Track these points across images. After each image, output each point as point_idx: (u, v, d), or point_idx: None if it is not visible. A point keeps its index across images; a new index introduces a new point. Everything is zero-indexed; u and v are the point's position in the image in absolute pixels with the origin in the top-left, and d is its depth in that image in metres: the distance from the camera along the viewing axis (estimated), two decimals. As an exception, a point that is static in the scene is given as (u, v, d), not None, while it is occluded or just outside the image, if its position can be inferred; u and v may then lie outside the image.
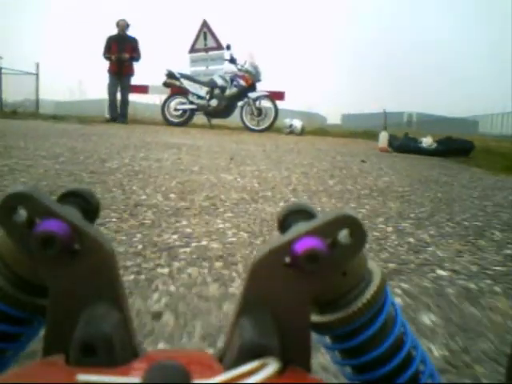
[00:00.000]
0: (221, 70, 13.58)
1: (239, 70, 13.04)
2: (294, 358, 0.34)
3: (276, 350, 0.32)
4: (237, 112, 13.35)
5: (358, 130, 15.63)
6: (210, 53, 14.97)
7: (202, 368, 0.33)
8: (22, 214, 0.34)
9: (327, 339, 0.41)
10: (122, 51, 12.64)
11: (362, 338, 0.38)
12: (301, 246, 0.33)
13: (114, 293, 0.35)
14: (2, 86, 16.57)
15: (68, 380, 0.28)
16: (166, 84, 13.49)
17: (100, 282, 0.35)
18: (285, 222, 0.41)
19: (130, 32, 13.05)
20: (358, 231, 0.35)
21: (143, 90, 15.41)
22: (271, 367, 0.30)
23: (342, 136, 13.72)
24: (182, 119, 13.32)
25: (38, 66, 18.08)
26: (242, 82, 12.79)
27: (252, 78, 12.77)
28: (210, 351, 0.60)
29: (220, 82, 13.03)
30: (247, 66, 13.00)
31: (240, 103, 13.09)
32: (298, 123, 12.64)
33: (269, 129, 12.66)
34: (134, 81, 14.01)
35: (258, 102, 12.79)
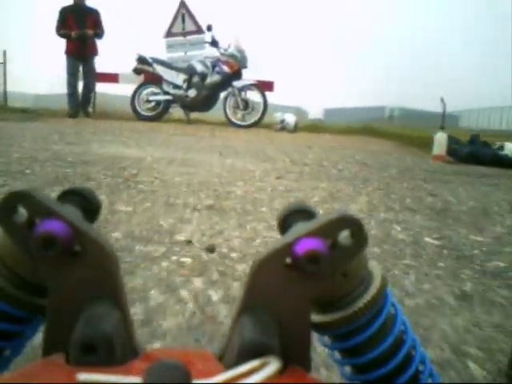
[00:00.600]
0: (201, 55, 10.23)
1: (222, 54, 9.88)
2: (294, 357, 0.32)
3: (276, 349, 0.30)
4: (219, 104, 10.51)
5: (355, 126, 12.43)
6: (189, 37, 11.99)
7: (202, 367, 0.31)
8: (22, 213, 0.31)
9: (327, 338, 0.38)
10: (82, 26, 9.09)
11: (362, 337, 0.35)
12: (301, 247, 0.31)
13: (114, 293, 0.33)
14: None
15: (68, 379, 0.27)
16: (136, 70, 10.55)
17: (100, 282, 0.32)
18: (285, 222, 0.38)
19: (89, 3, 9.50)
20: (358, 232, 0.32)
21: (112, 78, 12.59)
22: (272, 366, 0.28)
23: (339, 132, 10.64)
24: (154, 112, 10.28)
25: (4, 53, 14.51)
26: (226, 69, 9.73)
27: (237, 64, 9.72)
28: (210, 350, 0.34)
29: (200, 68, 9.89)
30: (232, 50, 9.89)
31: (223, 93, 10.29)
32: (291, 118, 9.56)
33: (256, 124, 10.12)
34: (102, 68, 11.36)
35: (243, 93, 10.13)
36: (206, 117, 11.80)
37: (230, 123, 9.96)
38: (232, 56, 9.93)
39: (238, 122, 9.96)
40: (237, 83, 9.82)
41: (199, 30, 11.74)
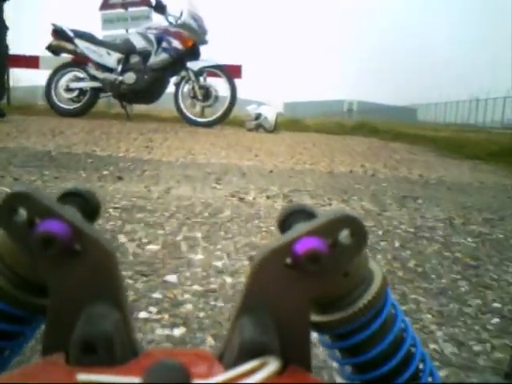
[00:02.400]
0: (140, 22, 6.97)
1: (172, 24, 6.69)
2: (294, 357, 0.31)
3: (276, 349, 0.29)
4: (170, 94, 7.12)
5: (347, 122, 9.34)
6: (132, 9, 8.60)
7: (202, 367, 0.30)
8: (22, 213, 0.31)
9: (327, 338, 0.37)
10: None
11: (362, 337, 0.34)
12: (301, 247, 0.30)
13: (114, 292, 0.32)
14: None
15: (68, 379, 0.26)
16: (51, 48, 7.08)
17: (100, 281, 0.31)
18: (285, 222, 0.36)
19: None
20: (358, 231, 0.31)
21: (31, 62, 8.77)
22: (271, 366, 0.27)
23: (328, 131, 7.58)
24: (78, 105, 6.97)
25: None
26: (177, 44, 6.70)
27: (193, 38, 6.33)
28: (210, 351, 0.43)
29: (140, 43, 6.66)
30: (185, 19, 6.80)
31: (174, 79, 6.94)
32: (269, 113, 6.45)
33: (221, 121, 6.76)
34: (18, 49, 7.64)
35: (202, 78, 6.75)
36: (158, 110, 8.61)
37: (185, 119, 6.72)
38: (185, 26, 6.67)
39: (196, 119, 6.71)
40: (193, 64, 6.58)
41: (146, 4, 8.44)
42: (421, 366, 0.35)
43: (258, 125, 6.72)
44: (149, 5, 7.17)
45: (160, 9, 6.91)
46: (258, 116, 6.75)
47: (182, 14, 6.86)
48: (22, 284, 0.32)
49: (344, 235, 0.30)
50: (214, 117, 6.65)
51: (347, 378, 0.36)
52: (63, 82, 7.07)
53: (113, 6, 8.69)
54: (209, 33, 7.01)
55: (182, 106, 6.75)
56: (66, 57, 7.36)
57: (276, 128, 6.81)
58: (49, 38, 7.22)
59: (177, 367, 0.23)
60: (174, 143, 4.11)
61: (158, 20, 7.31)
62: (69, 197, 0.36)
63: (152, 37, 6.81)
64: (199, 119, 6.72)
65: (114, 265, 0.31)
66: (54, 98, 7.08)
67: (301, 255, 0.29)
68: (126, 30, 8.51)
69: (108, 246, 0.31)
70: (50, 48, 7.10)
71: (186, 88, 6.72)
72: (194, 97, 6.65)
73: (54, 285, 0.30)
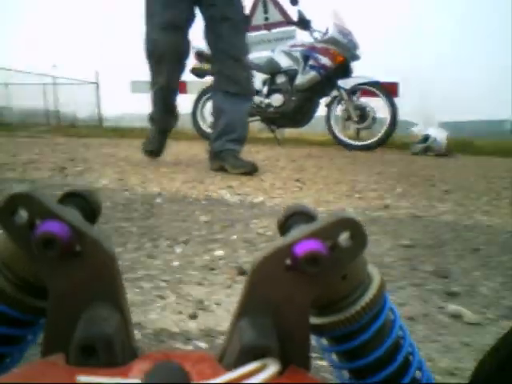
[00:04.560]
0: (284, 43, 6.21)
1: (317, 40, 5.96)
2: (294, 359, 0.31)
3: (276, 351, 0.28)
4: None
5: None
6: (275, 30, 8.03)
7: (202, 369, 0.29)
8: (23, 215, 0.30)
9: (324, 341, 0.36)
10: None
11: (359, 341, 0.34)
12: (301, 249, 0.30)
13: (115, 294, 0.31)
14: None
15: (68, 380, 0.26)
16: (194, 71, 6.54)
17: (100, 283, 0.31)
18: (285, 224, 0.36)
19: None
20: (358, 234, 0.31)
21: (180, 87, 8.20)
22: (271, 368, 0.27)
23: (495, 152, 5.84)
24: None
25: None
26: (326, 61, 5.85)
27: (343, 53, 5.39)
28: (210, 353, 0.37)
29: (285, 62, 5.94)
30: (332, 33, 5.83)
31: (325, 100, 6.01)
32: (438, 134, 5.13)
33: (380, 144, 5.61)
34: None
35: (356, 97, 5.75)
36: (311, 133, 7.96)
37: (340, 143, 5.76)
38: (333, 41, 5.74)
39: (351, 142, 5.72)
40: (345, 82, 5.63)
41: (288, 21, 7.74)
42: (418, 375, 0.34)
43: (426, 148, 5.51)
44: (290, 21, 6.40)
45: (303, 24, 6.09)
46: (425, 138, 5.54)
47: (327, 30, 5.98)
48: (23, 285, 0.32)
49: (343, 237, 0.30)
50: (372, 140, 5.61)
51: (343, 382, 0.35)
52: (208, 106, 6.63)
53: (256, 28, 8.21)
54: (360, 47, 6.03)
55: (334, 127, 5.83)
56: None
57: (449, 152, 5.53)
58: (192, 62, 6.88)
59: (176, 369, 0.23)
60: (330, 174, 3.16)
61: (302, 38, 6.55)
62: (70, 198, 0.36)
63: (298, 54, 6.02)
64: (355, 142, 5.72)
65: (115, 266, 0.31)
66: (200, 122, 6.62)
67: (300, 257, 0.29)
68: (272, 51, 7.96)
69: (108, 247, 0.30)
70: (193, 71, 6.71)
71: (339, 109, 5.80)
72: (348, 118, 5.69)
73: (54, 286, 0.30)
